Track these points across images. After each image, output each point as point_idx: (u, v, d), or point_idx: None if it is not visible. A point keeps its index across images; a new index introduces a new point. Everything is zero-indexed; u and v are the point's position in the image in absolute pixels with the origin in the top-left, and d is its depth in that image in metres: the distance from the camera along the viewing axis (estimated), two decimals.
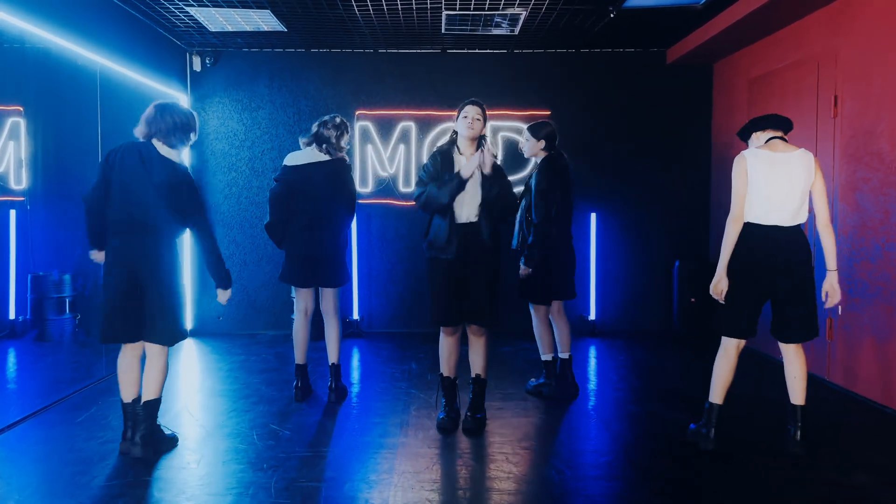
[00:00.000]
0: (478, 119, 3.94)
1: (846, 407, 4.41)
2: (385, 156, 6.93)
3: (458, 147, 4.00)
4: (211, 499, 3.04)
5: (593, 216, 6.91)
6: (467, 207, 3.87)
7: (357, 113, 6.88)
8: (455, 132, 4.01)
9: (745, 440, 3.75)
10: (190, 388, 4.92)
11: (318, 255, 4.46)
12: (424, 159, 6.88)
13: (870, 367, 4.50)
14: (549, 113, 6.88)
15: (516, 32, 6.17)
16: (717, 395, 3.67)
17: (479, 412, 4.02)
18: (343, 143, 4.52)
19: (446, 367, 4.06)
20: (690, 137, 7.01)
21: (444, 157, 3.97)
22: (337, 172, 4.47)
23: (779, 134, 3.65)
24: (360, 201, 6.90)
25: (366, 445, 3.69)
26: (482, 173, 3.84)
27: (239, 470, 3.36)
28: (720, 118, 6.84)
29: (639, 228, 7.00)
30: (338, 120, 4.51)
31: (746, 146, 3.77)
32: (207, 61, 6.75)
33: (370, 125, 6.89)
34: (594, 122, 6.94)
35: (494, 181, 3.84)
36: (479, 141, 3.99)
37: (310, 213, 4.43)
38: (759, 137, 3.69)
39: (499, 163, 4.00)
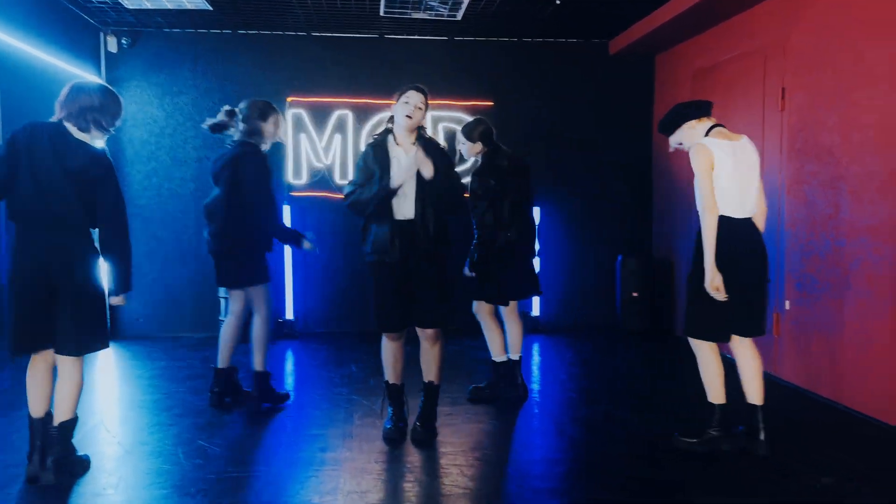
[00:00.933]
0: (420, 108, 3.56)
1: (799, 404, 4.36)
2: (320, 146, 6.56)
3: (394, 137, 3.62)
4: None
5: (537, 210, 6.73)
6: (408, 203, 3.53)
7: (290, 100, 6.48)
8: (391, 120, 3.62)
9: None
10: (106, 400, 4.47)
11: (214, 251, 4.09)
12: (361, 148, 6.57)
13: (818, 362, 4.47)
14: (491, 104, 6.66)
15: (458, 18, 5.91)
16: (715, 395, 3.49)
17: (430, 421, 3.74)
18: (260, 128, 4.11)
19: (392, 373, 3.77)
20: (633, 130, 6.92)
21: (377, 150, 3.59)
22: (236, 160, 4.03)
23: (718, 122, 3.52)
24: (293, 194, 6.53)
25: (306, 462, 3.37)
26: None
27: (163, 496, 2.98)
28: (662, 111, 6.76)
29: (582, 222, 6.88)
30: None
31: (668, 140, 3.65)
32: (124, 42, 6.20)
33: (304, 113, 6.51)
34: (537, 113, 6.76)
35: (438, 173, 3.49)
36: (419, 133, 3.62)
37: (207, 205, 4.07)
38: (695, 127, 3.52)
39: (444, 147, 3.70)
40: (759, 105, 5.08)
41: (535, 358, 5.66)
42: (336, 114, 6.54)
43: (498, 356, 4.38)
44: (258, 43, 6.46)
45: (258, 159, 4.05)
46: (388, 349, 3.74)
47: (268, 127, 4.12)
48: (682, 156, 5.99)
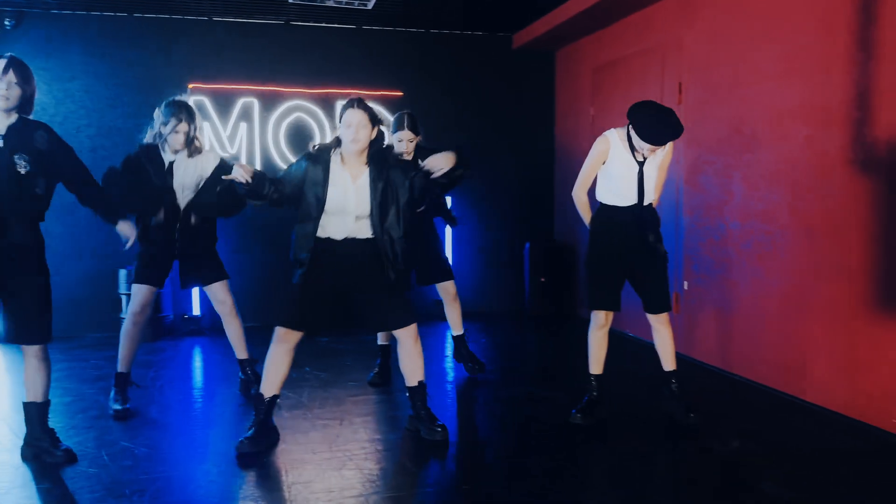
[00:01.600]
0: (364, 126, 3.28)
1: (694, 374, 4.73)
2: (225, 134, 6.38)
3: (341, 156, 3.35)
4: None
5: (448, 199, 6.84)
6: (352, 222, 3.36)
7: (191, 86, 6.25)
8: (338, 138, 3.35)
9: (629, 414, 3.87)
10: (7, 405, 4.19)
11: (183, 252, 4.17)
12: (269, 138, 6.45)
13: (715, 337, 4.86)
14: (401, 94, 6.71)
15: (369, 7, 5.90)
16: (595, 366, 3.78)
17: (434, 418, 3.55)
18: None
19: (276, 383, 3.44)
20: (536, 122, 7.17)
21: (317, 164, 3.30)
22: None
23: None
24: None
25: (242, 457, 3.32)
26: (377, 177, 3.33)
27: (96, 499, 2.87)
28: (563, 105, 7.06)
29: (491, 211, 7.07)
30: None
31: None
32: (7, 23, 5.76)
33: (206, 100, 6.29)
34: (446, 104, 6.87)
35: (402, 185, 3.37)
36: (374, 152, 3.37)
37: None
38: None
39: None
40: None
41: (451, 342, 5.78)
42: (241, 101, 6.38)
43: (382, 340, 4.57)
44: (156, 27, 6.18)
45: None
46: (278, 352, 3.39)
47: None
48: (580, 146, 6.29)
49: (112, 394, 3.99)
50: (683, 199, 5.14)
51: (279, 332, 3.41)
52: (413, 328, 3.50)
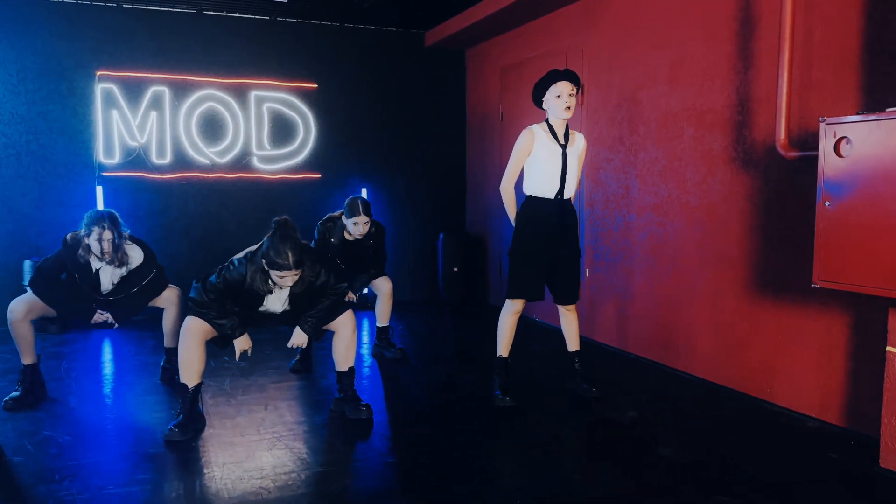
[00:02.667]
0: (295, 275, 3.42)
1: (595, 354, 5.13)
2: (134, 123, 6.26)
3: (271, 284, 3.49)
4: None
5: (364, 190, 7.01)
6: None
7: (99, 73, 6.11)
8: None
9: (538, 389, 4.19)
10: None
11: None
12: (181, 127, 6.38)
13: (613, 320, 5.28)
14: (315, 86, 6.79)
15: (285, 0, 5.96)
16: (505, 349, 4.05)
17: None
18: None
19: (196, 374, 3.56)
20: (448, 118, 7.43)
21: (255, 283, 3.46)
22: None
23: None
24: (105, 174, 6.19)
25: (171, 442, 3.39)
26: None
27: (27, 485, 2.88)
28: (474, 101, 7.35)
29: (406, 204, 7.28)
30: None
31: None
32: None
33: (115, 88, 6.17)
34: (360, 98, 7.01)
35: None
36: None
37: None
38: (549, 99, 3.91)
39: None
40: None
41: (368, 332, 5.97)
42: (151, 90, 6.28)
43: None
44: (61, 11, 5.99)
45: None
46: (193, 341, 3.50)
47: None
48: (490, 141, 6.60)
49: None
50: (586, 192, 5.53)
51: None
52: (353, 318, 3.73)
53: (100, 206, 6.11)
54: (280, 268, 3.31)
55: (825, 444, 3.41)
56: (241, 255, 3.56)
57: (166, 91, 6.32)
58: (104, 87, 6.13)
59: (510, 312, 4.02)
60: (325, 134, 6.86)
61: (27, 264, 5.77)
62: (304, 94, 6.76)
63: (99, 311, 4.03)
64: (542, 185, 3.89)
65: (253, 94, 6.58)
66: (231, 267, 3.48)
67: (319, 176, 6.84)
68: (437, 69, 7.31)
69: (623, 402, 4.02)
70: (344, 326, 3.72)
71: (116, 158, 6.23)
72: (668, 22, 4.67)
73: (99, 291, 4.04)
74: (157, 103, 6.30)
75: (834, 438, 3.49)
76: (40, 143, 6.01)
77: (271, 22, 6.63)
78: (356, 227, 4.65)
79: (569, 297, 4.05)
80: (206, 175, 6.52)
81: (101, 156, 6.18)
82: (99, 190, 6.13)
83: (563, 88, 3.82)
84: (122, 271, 4.07)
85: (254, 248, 3.56)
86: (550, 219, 3.90)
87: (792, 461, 3.22)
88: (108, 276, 4.05)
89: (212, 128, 6.50)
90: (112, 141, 6.21)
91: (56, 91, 6.03)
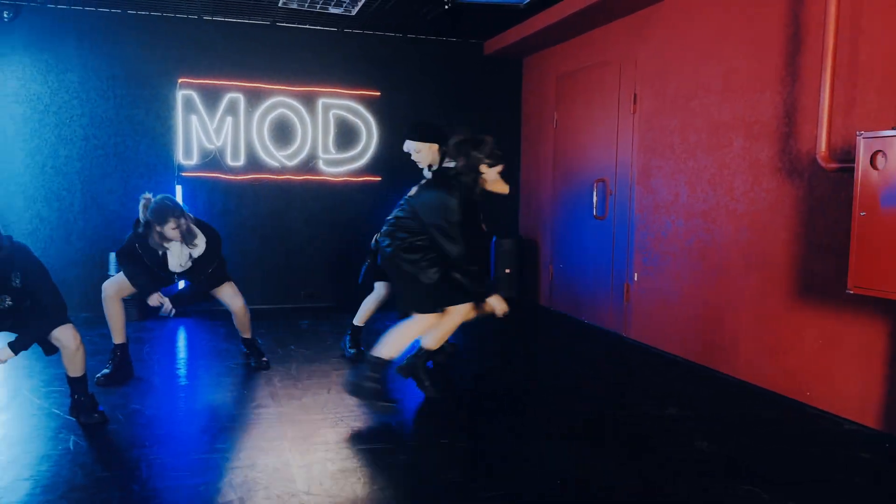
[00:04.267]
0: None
1: (639, 355, 5.30)
2: (211, 127, 6.73)
3: None
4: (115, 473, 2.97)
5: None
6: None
7: (180, 81, 6.59)
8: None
9: (581, 385, 4.40)
10: (29, 377, 4.53)
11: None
12: (254, 131, 6.83)
13: (658, 322, 5.44)
14: (378, 94, 7.14)
15: (353, 13, 6.33)
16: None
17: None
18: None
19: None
20: (504, 125, 7.68)
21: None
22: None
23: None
24: (184, 174, 6.67)
25: (246, 416, 3.75)
26: None
27: (122, 449, 3.28)
28: (529, 108, 7.59)
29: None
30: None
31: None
32: (5, 15, 6.02)
33: (194, 94, 6.64)
34: (420, 105, 7.32)
35: None
36: None
37: None
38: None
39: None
40: (615, 108, 5.98)
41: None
42: (228, 96, 6.73)
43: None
44: (148, 23, 6.49)
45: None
46: None
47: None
48: (543, 151, 6.82)
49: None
50: (636, 199, 5.71)
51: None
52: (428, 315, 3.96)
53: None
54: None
55: (860, 445, 3.54)
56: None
57: (241, 98, 6.76)
58: (185, 93, 6.61)
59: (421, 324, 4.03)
60: (386, 139, 7.20)
61: (112, 256, 6.28)
62: (368, 101, 7.12)
63: (159, 294, 4.36)
64: None
65: (320, 101, 6.98)
66: None
67: (380, 179, 7.19)
68: (494, 77, 7.58)
69: (664, 400, 4.19)
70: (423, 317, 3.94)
71: (194, 160, 6.70)
72: (719, 34, 4.82)
73: (166, 269, 4.42)
74: (232, 109, 6.76)
75: (869, 440, 3.61)
76: (126, 145, 6.53)
77: (339, 33, 7.02)
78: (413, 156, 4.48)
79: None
80: (275, 177, 6.95)
81: (180, 157, 6.66)
82: (178, 189, 6.61)
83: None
84: (190, 253, 4.41)
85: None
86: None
87: (822, 459, 3.36)
88: (177, 258, 4.41)
89: (282, 132, 6.92)
90: (191, 143, 6.68)
91: (141, 97, 6.54)
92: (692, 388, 4.52)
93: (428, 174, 4.40)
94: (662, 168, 5.41)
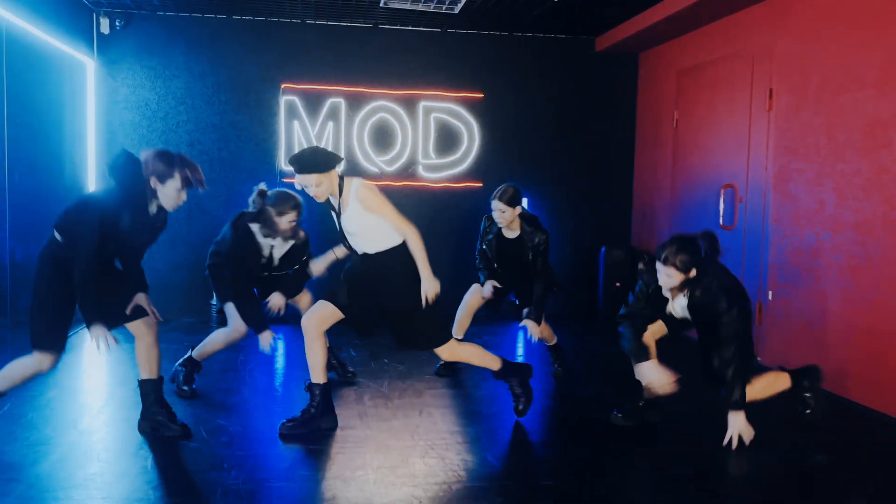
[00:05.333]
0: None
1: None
2: (312, 133, 6.60)
3: None
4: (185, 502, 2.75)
5: (525, 200, 6.91)
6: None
7: (283, 86, 6.51)
8: None
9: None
10: (103, 382, 4.48)
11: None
12: (354, 136, 6.65)
13: (797, 348, 4.75)
14: (481, 95, 6.80)
15: (456, 11, 6.02)
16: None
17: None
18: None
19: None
20: (616, 125, 7.15)
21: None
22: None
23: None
24: (285, 180, 6.57)
25: (329, 439, 3.47)
26: None
27: (199, 471, 3.07)
28: (645, 107, 7.01)
29: (567, 213, 7.08)
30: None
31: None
32: (117, 23, 6.14)
33: (297, 100, 6.54)
34: (525, 106, 6.93)
35: None
36: None
37: None
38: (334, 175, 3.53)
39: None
40: (746, 105, 5.34)
41: (520, 345, 5.84)
42: (329, 101, 6.59)
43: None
44: (251, 28, 6.46)
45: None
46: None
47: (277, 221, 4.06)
48: (660, 154, 6.25)
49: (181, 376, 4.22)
50: (771, 207, 5.05)
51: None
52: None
53: None
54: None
55: None
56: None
57: (342, 102, 6.61)
58: (287, 98, 6.52)
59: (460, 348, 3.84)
60: (489, 143, 6.85)
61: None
62: (470, 104, 6.79)
63: (279, 294, 4.28)
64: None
65: (421, 105, 6.71)
66: None
67: (481, 185, 6.84)
68: (606, 75, 7.06)
69: (809, 443, 3.57)
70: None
71: None
72: (876, 19, 4.14)
73: (269, 268, 4.26)
74: (333, 114, 6.61)
75: None
76: (230, 150, 6.51)
77: (441, 33, 6.74)
78: (496, 214, 4.40)
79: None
80: (375, 182, 6.72)
81: (282, 163, 6.57)
82: None
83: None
84: (289, 245, 4.25)
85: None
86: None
87: None
88: (279, 251, 4.26)
89: (381, 137, 6.71)
90: (293, 149, 6.58)
91: (244, 102, 6.51)
92: (840, 428, 3.84)
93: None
94: (804, 172, 4.73)
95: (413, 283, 3.52)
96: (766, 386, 3.68)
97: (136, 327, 3.47)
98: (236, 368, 4.78)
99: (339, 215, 3.58)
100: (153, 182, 3.25)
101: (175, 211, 6.27)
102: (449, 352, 3.72)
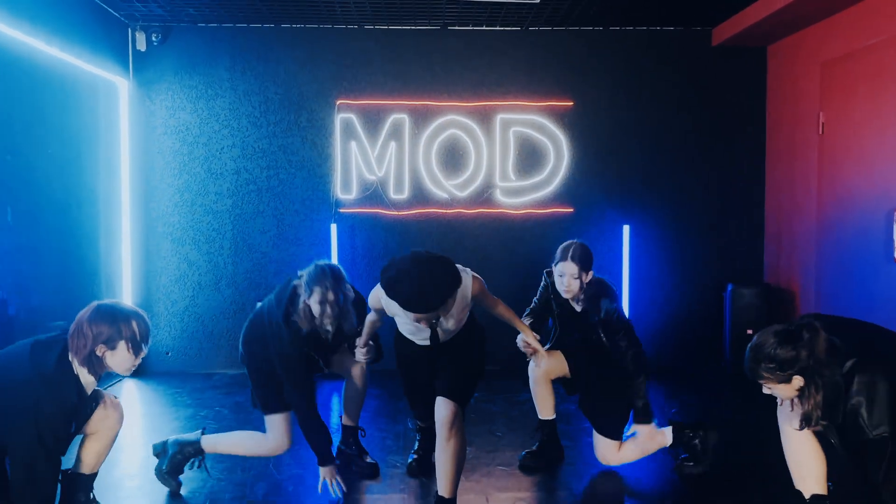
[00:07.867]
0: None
1: None
2: (372, 155, 5.70)
3: None
4: None
5: (626, 228, 5.71)
6: None
7: (339, 103, 5.66)
8: None
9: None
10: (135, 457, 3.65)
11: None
12: (420, 158, 5.69)
13: None
14: (571, 103, 5.70)
15: (536, 1, 4.97)
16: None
17: None
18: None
19: None
20: (740, 134, 5.84)
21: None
22: None
23: None
24: (341, 210, 5.70)
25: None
26: None
27: None
28: (779, 110, 5.68)
29: (681, 244, 5.81)
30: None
31: None
32: (154, 38, 5.48)
33: (354, 118, 5.67)
34: (624, 115, 5.75)
35: None
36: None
37: None
38: None
39: None
40: None
41: None
42: (391, 118, 5.68)
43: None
44: (303, 38, 5.66)
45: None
46: None
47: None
48: (801, 167, 4.95)
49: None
50: None
51: None
52: None
53: (333, 245, 5.65)
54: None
55: None
56: None
57: (406, 119, 5.68)
58: (343, 116, 5.66)
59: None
60: (580, 160, 5.72)
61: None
62: (557, 114, 5.70)
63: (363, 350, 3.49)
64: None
65: (498, 118, 5.68)
66: None
67: (572, 210, 5.70)
68: (725, 73, 5.79)
69: None
70: None
71: (353, 194, 5.71)
72: None
73: (325, 351, 3.39)
74: (396, 133, 5.69)
75: None
76: (280, 179, 5.70)
77: (521, 32, 5.70)
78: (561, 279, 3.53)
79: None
80: (444, 211, 5.75)
81: (338, 191, 5.71)
82: (333, 228, 5.65)
83: None
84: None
85: None
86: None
87: None
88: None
89: (452, 158, 5.73)
90: (350, 175, 5.71)
91: (296, 123, 5.70)
92: None
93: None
94: None
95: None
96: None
97: None
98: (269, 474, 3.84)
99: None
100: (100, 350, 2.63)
101: (220, 248, 5.49)
102: None
